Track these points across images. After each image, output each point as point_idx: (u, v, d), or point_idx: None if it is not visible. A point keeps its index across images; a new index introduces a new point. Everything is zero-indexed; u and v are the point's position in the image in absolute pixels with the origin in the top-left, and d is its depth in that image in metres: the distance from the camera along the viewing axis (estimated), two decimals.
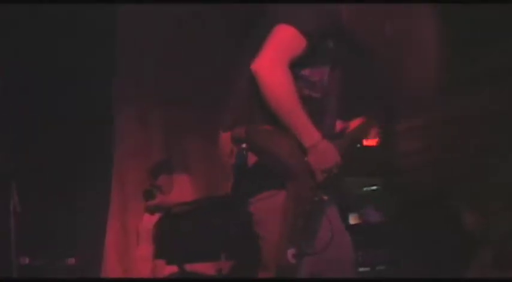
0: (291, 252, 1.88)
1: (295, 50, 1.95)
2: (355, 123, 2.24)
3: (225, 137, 2.05)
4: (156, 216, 5.08)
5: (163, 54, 5.84)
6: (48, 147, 5.45)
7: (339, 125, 2.22)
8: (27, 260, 4.92)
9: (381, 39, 2.14)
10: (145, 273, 5.06)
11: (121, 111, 5.83)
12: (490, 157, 3.36)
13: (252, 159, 1.97)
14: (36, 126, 5.49)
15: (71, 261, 5.22)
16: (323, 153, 1.94)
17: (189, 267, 4.52)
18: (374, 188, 4.31)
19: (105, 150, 5.78)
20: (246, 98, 2.03)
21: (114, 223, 5.72)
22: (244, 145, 1.95)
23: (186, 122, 5.80)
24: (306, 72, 2.03)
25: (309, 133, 1.93)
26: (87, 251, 5.47)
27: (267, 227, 2.04)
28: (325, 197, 1.96)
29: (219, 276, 4.41)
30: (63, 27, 5.29)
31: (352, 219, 4.42)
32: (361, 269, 3.84)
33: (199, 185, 5.49)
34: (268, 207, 2.01)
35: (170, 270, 4.68)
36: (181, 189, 5.29)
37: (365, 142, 2.29)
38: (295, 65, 1.97)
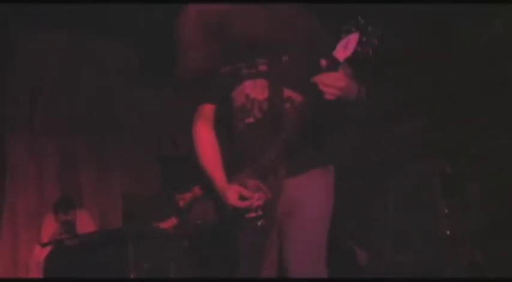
0: None
1: (208, 112, 2.44)
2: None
3: None
4: (47, 249, 5.07)
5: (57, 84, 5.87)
6: None
7: None
8: None
9: None
10: None
11: (13, 141, 5.77)
12: None
13: None
14: None
15: None
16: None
17: None
18: None
19: None
20: None
21: (4, 253, 5.64)
22: None
23: (79, 154, 5.82)
24: (233, 99, 2.35)
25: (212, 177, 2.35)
26: None
27: None
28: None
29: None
30: None
31: None
32: None
33: (94, 218, 5.53)
34: None
35: None
36: (85, 223, 5.32)
37: None
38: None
